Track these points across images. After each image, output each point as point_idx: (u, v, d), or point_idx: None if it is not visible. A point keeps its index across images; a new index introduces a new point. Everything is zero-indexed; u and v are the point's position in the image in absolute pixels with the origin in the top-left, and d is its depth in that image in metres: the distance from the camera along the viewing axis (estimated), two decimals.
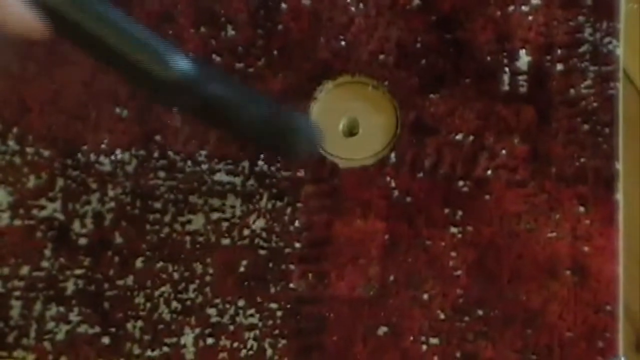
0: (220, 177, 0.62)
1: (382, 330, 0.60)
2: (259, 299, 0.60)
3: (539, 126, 0.63)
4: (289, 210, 0.62)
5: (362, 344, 0.60)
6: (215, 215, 0.62)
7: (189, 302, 0.60)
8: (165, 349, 0.60)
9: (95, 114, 0.63)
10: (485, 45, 0.64)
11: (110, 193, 0.62)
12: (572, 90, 0.63)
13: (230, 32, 0.64)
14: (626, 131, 0.64)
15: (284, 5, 0.64)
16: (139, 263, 0.61)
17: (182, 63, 0.50)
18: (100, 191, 0.62)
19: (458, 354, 0.59)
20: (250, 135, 0.55)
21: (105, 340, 0.60)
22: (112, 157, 0.62)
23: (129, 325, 0.60)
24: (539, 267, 0.61)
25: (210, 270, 0.61)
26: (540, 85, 0.64)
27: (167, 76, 0.49)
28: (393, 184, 0.62)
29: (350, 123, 0.64)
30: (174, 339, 0.60)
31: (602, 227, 0.61)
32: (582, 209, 0.61)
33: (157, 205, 0.62)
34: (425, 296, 0.60)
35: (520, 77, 0.64)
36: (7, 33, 0.47)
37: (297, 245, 0.61)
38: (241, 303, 0.60)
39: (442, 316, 0.60)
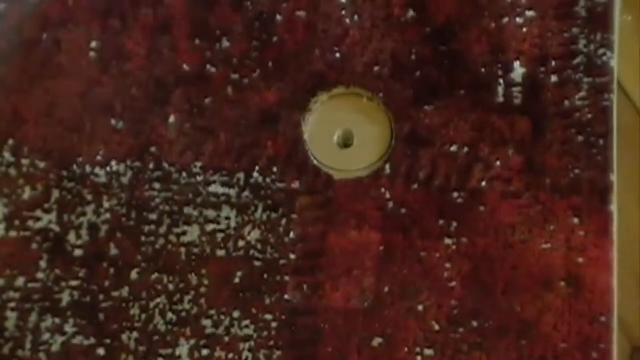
0: (215, 188, 0.62)
1: (377, 341, 0.60)
2: (254, 311, 0.60)
3: (534, 137, 0.63)
4: (284, 221, 0.62)
5: (357, 355, 0.60)
6: (210, 227, 0.62)
7: (184, 314, 0.60)
8: None
9: (90, 125, 0.63)
10: (479, 57, 0.64)
11: (106, 205, 0.62)
12: (566, 102, 0.64)
13: (225, 43, 0.65)
14: (621, 142, 0.64)
15: (279, 17, 0.65)
16: (134, 274, 0.61)
17: None
18: (95, 203, 0.62)
19: None
20: None
21: (101, 351, 0.60)
22: (108, 169, 0.62)
23: (124, 337, 0.60)
24: (533, 278, 0.61)
25: (206, 282, 0.61)
26: (535, 96, 0.64)
27: None
28: (388, 196, 0.62)
29: (345, 135, 0.64)
30: (169, 351, 0.60)
31: (596, 238, 0.61)
32: (576, 220, 0.62)
33: (153, 216, 0.62)
34: (420, 307, 0.60)
35: (515, 89, 0.64)
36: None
37: (292, 256, 0.61)
38: (236, 314, 0.60)
39: (436, 327, 0.60)
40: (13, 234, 0.62)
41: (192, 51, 0.65)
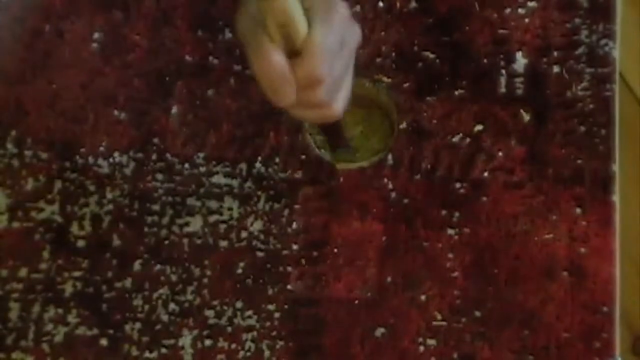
0: (218, 179, 0.62)
1: (380, 331, 0.60)
2: (256, 301, 0.61)
3: (536, 128, 0.63)
4: (286, 212, 0.62)
5: (360, 346, 0.60)
6: (213, 218, 0.62)
7: (187, 304, 0.61)
8: (164, 350, 0.60)
9: (93, 116, 0.63)
10: (482, 48, 0.64)
11: (109, 195, 0.62)
12: (568, 92, 0.64)
13: (228, 34, 0.65)
14: (622, 133, 0.64)
15: None
16: (137, 265, 0.61)
17: None
18: (98, 193, 0.62)
19: (455, 355, 0.60)
20: None
21: (104, 342, 0.60)
22: (110, 160, 0.63)
23: (127, 327, 0.60)
24: (535, 268, 0.61)
25: (208, 272, 0.61)
26: (537, 87, 0.64)
27: None
28: (390, 186, 0.62)
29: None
30: (172, 341, 0.60)
31: (598, 228, 0.61)
32: (578, 210, 0.62)
33: (155, 207, 0.62)
34: (423, 297, 0.61)
35: (517, 79, 0.64)
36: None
37: (295, 247, 0.61)
38: (239, 305, 0.61)
39: (439, 317, 0.60)
40: (16, 224, 0.62)
41: (194, 42, 0.65)
